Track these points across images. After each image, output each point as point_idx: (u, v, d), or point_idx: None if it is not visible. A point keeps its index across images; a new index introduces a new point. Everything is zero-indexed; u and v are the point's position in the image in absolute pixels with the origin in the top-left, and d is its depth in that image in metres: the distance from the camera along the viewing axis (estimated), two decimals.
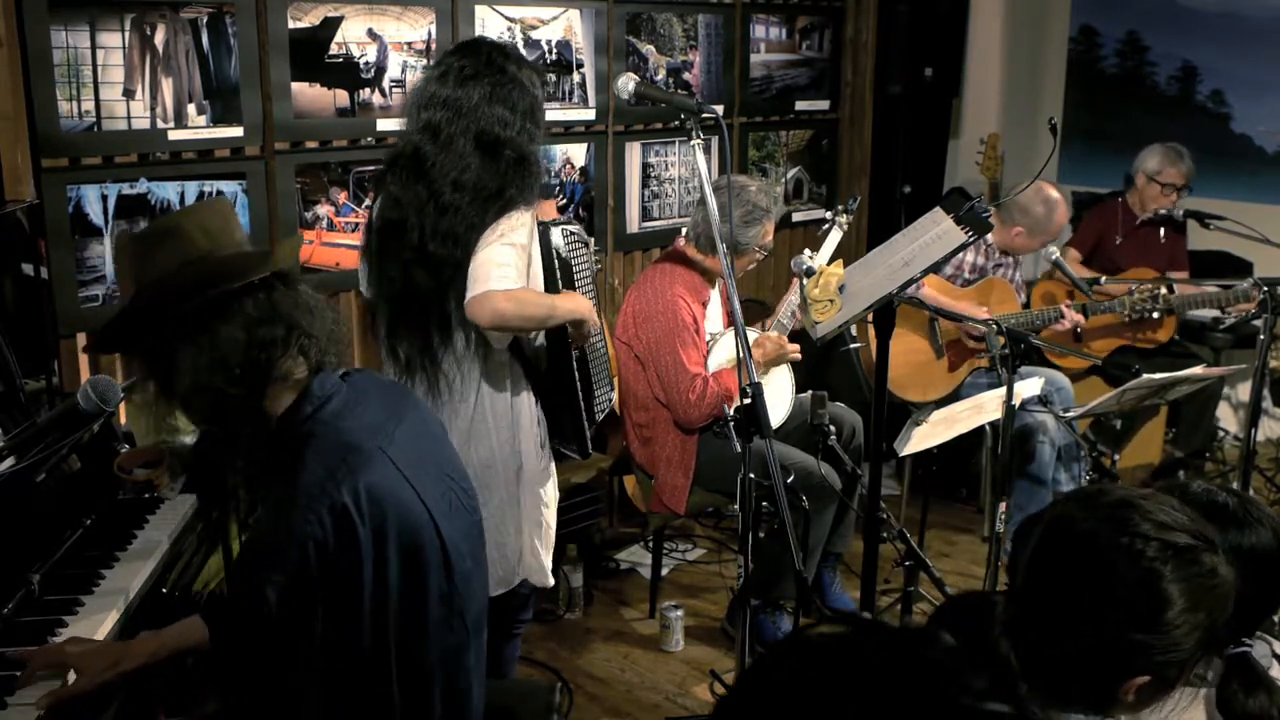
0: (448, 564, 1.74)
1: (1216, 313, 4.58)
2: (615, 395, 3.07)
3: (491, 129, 2.59)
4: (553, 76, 4.20)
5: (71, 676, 1.86)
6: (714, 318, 3.61)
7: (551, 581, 2.90)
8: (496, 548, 2.72)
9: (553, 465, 2.88)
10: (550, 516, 2.85)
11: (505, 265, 2.52)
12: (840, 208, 3.67)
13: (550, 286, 2.74)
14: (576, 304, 2.70)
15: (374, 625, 1.63)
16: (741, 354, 2.37)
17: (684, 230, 3.65)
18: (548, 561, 2.85)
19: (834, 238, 3.60)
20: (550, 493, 2.85)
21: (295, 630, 1.61)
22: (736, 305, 2.38)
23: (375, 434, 1.72)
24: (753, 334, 3.58)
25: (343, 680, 1.64)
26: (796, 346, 3.56)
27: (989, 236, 4.18)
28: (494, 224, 2.56)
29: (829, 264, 3.56)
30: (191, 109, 3.38)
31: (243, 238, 1.86)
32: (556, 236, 2.79)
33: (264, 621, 1.61)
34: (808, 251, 3.63)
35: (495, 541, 2.71)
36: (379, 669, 1.65)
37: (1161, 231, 4.72)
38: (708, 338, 3.54)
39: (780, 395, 3.63)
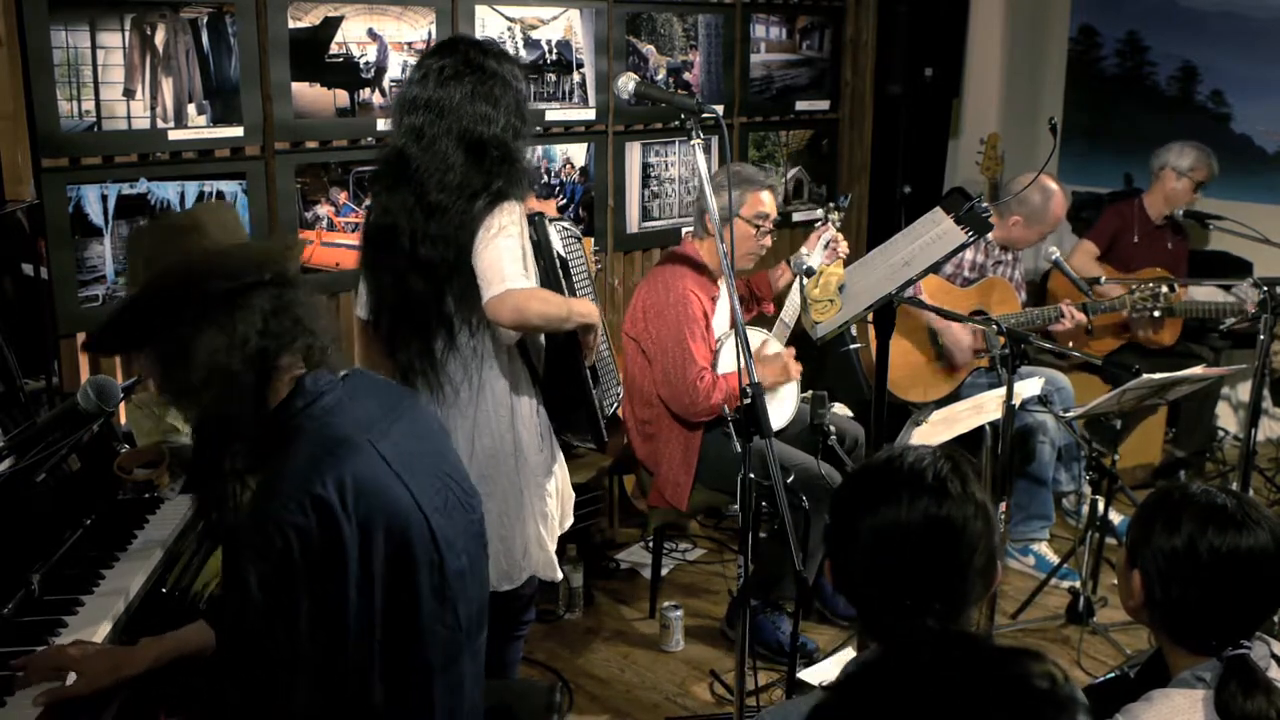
0: (440, 559, 1.74)
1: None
2: (622, 391, 3.08)
3: (475, 128, 2.58)
4: (553, 76, 4.20)
5: (71, 677, 1.87)
6: (722, 317, 3.61)
7: (560, 575, 2.90)
8: (501, 541, 2.72)
9: (558, 459, 2.88)
10: (554, 508, 2.85)
11: (516, 260, 2.53)
12: (832, 204, 3.66)
13: (552, 282, 2.74)
14: (589, 309, 2.72)
15: (360, 616, 1.62)
16: (741, 354, 2.37)
17: (686, 230, 3.66)
18: (554, 555, 2.85)
19: (826, 236, 3.60)
20: (553, 485, 2.85)
21: (281, 620, 1.60)
22: (735, 297, 2.38)
23: (367, 429, 1.73)
24: (758, 336, 3.58)
25: (331, 674, 1.63)
26: (799, 368, 3.58)
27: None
28: (486, 219, 2.55)
29: (827, 264, 3.57)
30: (191, 109, 3.38)
31: (248, 241, 1.90)
32: (554, 232, 2.79)
33: (249, 611, 1.61)
34: (804, 249, 3.64)
35: (499, 535, 2.71)
36: (365, 664, 1.65)
37: (1170, 244, 4.74)
38: (716, 338, 3.54)
39: (785, 397, 3.63)
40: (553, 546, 2.85)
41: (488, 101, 2.59)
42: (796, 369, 3.58)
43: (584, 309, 2.69)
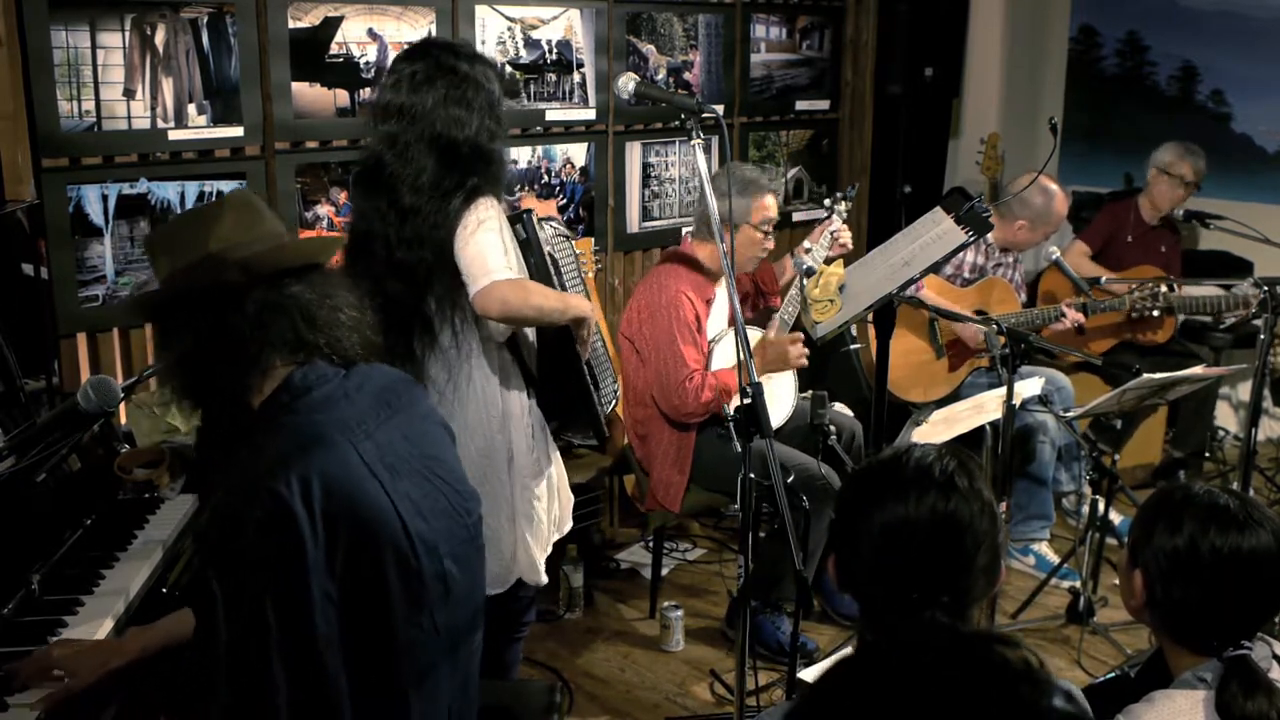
0: (417, 562, 1.72)
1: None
2: (620, 388, 3.07)
3: (448, 131, 2.57)
4: (553, 76, 4.20)
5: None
6: (718, 317, 3.60)
7: (544, 579, 2.87)
8: (491, 543, 2.71)
9: (549, 460, 2.86)
10: (542, 511, 2.83)
11: (498, 253, 2.53)
12: (839, 194, 3.66)
13: (542, 279, 2.74)
14: (581, 302, 2.72)
15: (327, 617, 1.61)
16: (741, 354, 2.37)
17: (686, 230, 3.66)
18: (540, 558, 2.82)
19: (832, 229, 3.60)
20: (543, 487, 2.83)
21: (243, 620, 1.59)
22: (735, 300, 2.38)
23: (348, 428, 1.71)
24: (754, 334, 3.58)
25: (301, 671, 1.62)
26: (805, 350, 3.43)
27: (990, 235, 4.18)
28: (463, 217, 2.55)
29: (829, 264, 3.56)
30: (192, 109, 3.38)
31: (280, 229, 1.87)
32: (548, 230, 2.80)
33: (214, 607, 1.60)
34: (806, 243, 3.63)
35: (490, 536, 2.70)
36: (334, 666, 1.63)
37: (1164, 245, 4.75)
38: (710, 338, 3.54)
39: (782, 394, 3.62)
40: (540, 550, 2.82)
41: (460, 105, 2.59)
42: (800, 353, 3.42)
43: (575, 301, 2.69)
